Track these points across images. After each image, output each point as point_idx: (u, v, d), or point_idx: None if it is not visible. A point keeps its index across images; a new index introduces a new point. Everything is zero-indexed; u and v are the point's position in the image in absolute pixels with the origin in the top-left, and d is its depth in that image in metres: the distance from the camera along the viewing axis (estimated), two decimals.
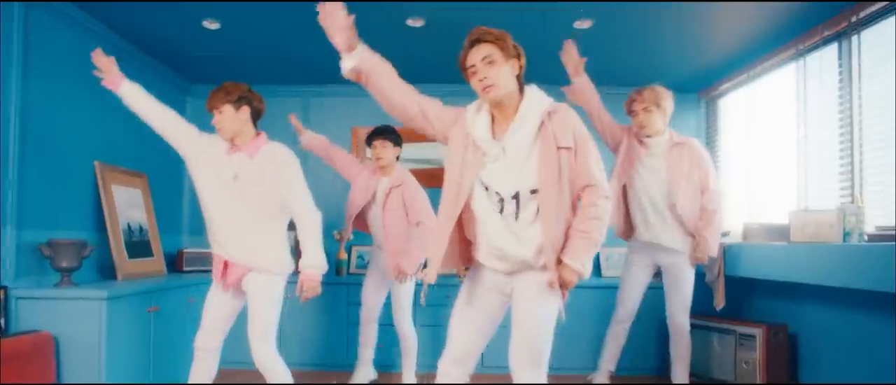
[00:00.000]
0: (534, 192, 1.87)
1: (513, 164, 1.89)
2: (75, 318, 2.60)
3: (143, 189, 3.68)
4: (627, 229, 3.19)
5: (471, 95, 1.98)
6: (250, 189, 2.43)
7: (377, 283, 3.44)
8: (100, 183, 3.20)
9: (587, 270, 1.86)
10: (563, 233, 1.88)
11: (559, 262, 1.87)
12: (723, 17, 3.19)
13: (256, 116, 2.52)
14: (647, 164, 3.05)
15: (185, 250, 4.07)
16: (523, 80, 1.97)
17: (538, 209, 1.87)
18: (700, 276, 3.40)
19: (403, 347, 3.39)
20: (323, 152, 3.49)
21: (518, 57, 1.94)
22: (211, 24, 3.27)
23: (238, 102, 2.42)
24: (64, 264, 2.72)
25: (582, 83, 2.98)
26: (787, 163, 3.52)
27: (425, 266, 2.83)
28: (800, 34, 3.37)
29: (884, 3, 2.80)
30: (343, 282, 4.05)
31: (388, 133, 3.33)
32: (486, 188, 1.92)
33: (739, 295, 3.79)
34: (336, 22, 1.87)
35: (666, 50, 3.71)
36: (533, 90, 1.96)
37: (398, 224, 3.27)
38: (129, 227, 3.40)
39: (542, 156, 1.86)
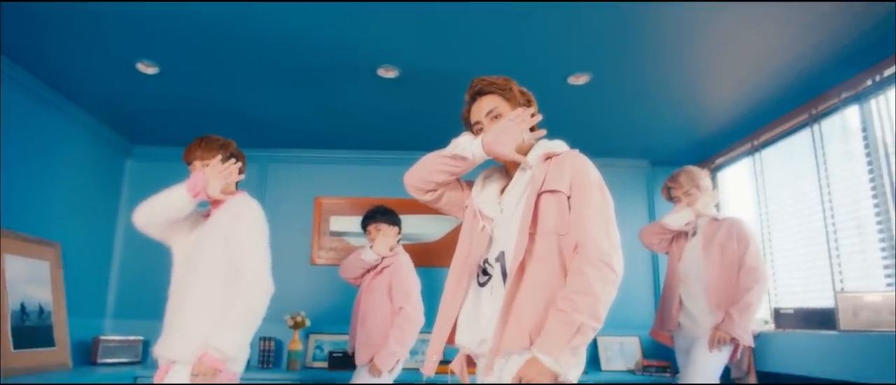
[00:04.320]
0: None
1: (505, 222, 1.53)
2: None
3: (52, 261, 3.03)
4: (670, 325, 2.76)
5: None
6: (198, 258, 1.91)
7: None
8: None
9: (566, 367, 1.30)
10: (543, 309, 1.38)
11: None
12: (724, 79, 2.89)
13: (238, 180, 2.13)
14: (690, 251, 2.75)
15: (103, 338, 3.36)
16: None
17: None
18: (725, 371, 2.83)
19: None
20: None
21: (528, 104, 1.64)
22: (147, 68, 2.79)
23: (229, 158, 2.07)
24: None
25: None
26: (810, 240, 3.09)
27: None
28: (812, 98, 3.06)
29: None
30: (296, 378, 3.35)
31: (382, 215, 2.91)
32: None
33: None
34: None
35: (661, 118, 3.40)
36: (544, 140, 1.62)
37: (378, 309, 2.75)
38: (22, 307, 2.72)
39: (525, 205, 1.49)
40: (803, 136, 3.22)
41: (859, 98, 2.82)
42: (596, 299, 1.33)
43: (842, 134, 2.94)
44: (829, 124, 3.03)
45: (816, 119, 3.09)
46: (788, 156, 3.37)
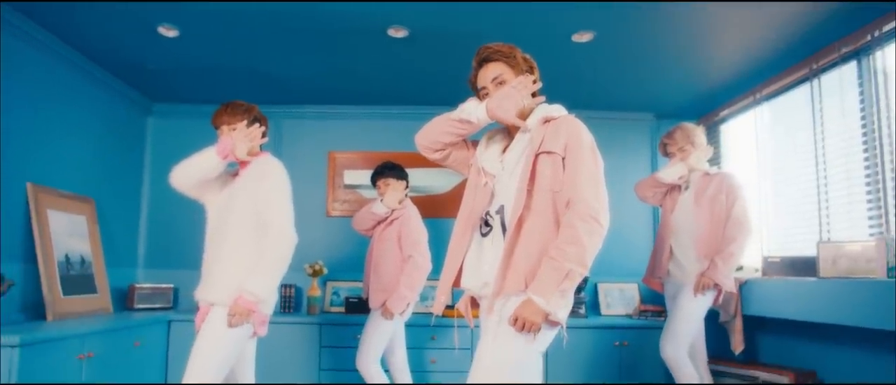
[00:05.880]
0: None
1: (505, 178, 1.70)
2: None
3: (88, 215, 3.26)
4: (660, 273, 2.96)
5: None
6: (229, 214, 2.12)
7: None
8: (32, 207, 2.79)
9: (555, 307, 1.51)
10: (537, 257, 1.57)
11: None
12: (727, 35, 2.94)
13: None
14: (682, 204, 2.90)
15: (138, 285, 3.63)
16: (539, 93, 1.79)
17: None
18: (714, 314, 3.05)
19: None
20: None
21: (530, 71, 1.77)
22: (168, 31, 2.92)
23: (253, 122, 2.24)
24: None
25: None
26: (804, 191, 3.22)
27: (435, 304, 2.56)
28: (813, 52, 3.12)
29: None
30: (315, 322, 3.62)
31: (390, 170, 3.08)
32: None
33: (758, 337, 3.43)
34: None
35: (665, 73, 3.46)
36: (544, 105, 1.76)
37: (388, 257, 2.97)
38: (67, 258, 2.97)
39: (524, 164, 1.65)
40: (803, 91, 3.29)
41: (858, 53, 2.89)
42: (583, 249, 1.52)
43: (839, 89, 3.01)
44: (829, 79, 3.10)
45: (816, 74, 3.15)
46: (789, 109, 3.45)
